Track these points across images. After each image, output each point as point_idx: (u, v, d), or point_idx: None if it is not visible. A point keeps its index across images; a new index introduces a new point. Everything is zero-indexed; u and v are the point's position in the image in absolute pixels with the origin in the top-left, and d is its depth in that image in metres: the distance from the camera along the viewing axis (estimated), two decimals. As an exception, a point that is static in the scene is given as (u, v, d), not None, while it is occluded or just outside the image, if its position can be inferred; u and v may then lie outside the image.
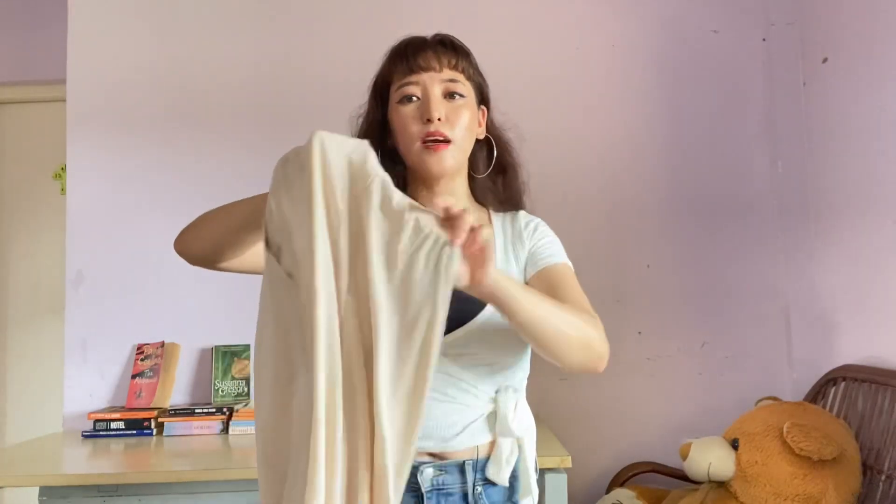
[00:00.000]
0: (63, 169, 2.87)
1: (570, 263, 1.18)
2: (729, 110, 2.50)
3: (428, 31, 1.21)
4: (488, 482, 1.10)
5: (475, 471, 1.09)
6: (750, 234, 2.47)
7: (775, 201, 2.47)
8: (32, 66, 3.08)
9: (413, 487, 1.07)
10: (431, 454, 1.09)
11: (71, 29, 2.49)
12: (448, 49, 1.17)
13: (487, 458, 1.10)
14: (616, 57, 2.52)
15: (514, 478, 1.11)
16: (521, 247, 1.17)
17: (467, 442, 1.09)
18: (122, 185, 2.46)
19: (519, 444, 1.10)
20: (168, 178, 2.46)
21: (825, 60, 2.32)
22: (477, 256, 0.84)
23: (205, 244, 1.09)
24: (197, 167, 2.46)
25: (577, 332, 0.99)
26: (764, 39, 2.51)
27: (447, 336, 1.00)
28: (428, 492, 1.07)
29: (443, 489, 1.08)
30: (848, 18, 2.21)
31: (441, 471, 1.08)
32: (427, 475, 1.08)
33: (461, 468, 1.09)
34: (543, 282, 1.11)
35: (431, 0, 2.51)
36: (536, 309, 0.95)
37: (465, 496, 1.09)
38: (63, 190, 3.00)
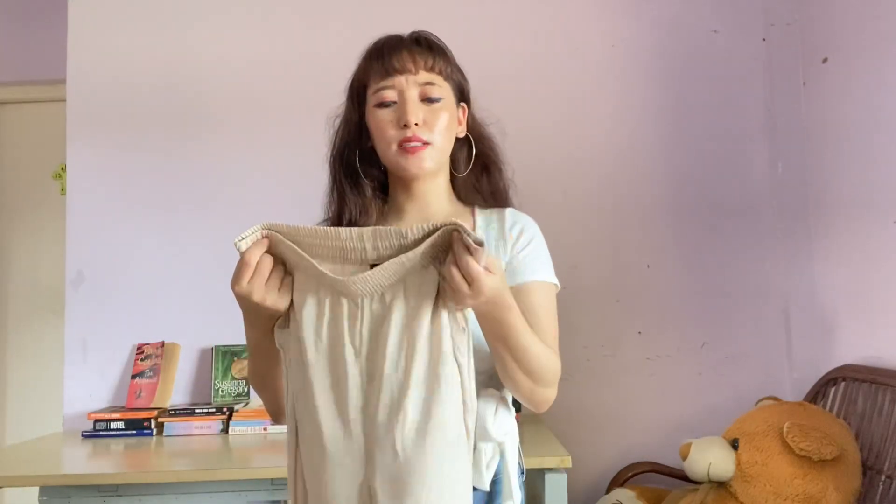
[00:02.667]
0: (63, 169, 2.87)
1: (552, 280, 1.15)
2: (729, 110, 2.50)
3: (427, 30, 1.20)
4: None
5: None
6: (750, 234, 2.46)
7: (775, 201, 2.46)
8: (32, 66, 3.08)
9: None
10: None
11: (71, 28, 2.49)
12: (424, 49, 1.14)
13: None
14: (616, 57, 2.52)
15: (496, 482, 1.08)
16: (504, 249, 1.14)
17: None
18: (122, 185, 2.46)
19: (500, 449, 1.07)
20: (168, 177, 2.46)
21: (825, 60, 2.32)
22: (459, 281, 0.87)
23: (270, 408, 1.11)
24: (197, 167, 2.46)
25: (541, 376, 1.03)
26: (764, 39, 2.51)
27: None
28: None
29: None
30: (848, 18, 2.21)
31: None
32: None
33: None
34: (518, 300, 1.01)
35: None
36: (522, 337, 0.97)
37: None
38: (63, 190, 3.00)
